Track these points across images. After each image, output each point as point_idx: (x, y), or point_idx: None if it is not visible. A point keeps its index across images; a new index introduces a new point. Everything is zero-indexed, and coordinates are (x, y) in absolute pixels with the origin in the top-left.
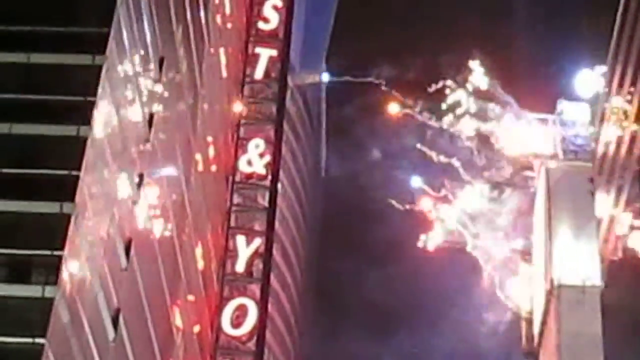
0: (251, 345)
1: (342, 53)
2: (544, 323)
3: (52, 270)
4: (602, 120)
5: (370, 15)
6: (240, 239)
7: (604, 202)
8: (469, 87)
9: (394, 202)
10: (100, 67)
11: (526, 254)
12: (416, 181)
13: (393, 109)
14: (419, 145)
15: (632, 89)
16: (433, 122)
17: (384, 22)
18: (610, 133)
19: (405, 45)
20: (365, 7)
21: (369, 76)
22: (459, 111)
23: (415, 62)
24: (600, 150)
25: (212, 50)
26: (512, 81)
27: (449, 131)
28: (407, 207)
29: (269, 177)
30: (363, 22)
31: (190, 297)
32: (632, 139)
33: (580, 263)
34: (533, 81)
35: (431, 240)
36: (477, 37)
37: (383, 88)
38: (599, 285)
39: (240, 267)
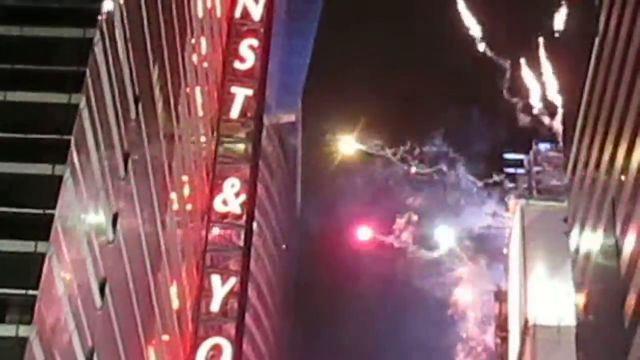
0: None
1: (318, 92)
2: None
3: (26, 310)
4: (575, 162)
5: (346, 55)
6: (216, 278)
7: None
8: None
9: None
10: (76, 106)
11: (501, 295)
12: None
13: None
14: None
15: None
16: (406, 167)
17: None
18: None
19: (381, 88)
20: (342, 46)
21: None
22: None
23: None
24: (574, 190)
25: (188, 89)
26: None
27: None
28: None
29: (245, 216)
30: (339, 62)
31: (165, 337)
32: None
33: (555, 303)
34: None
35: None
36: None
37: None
38: (573, 325)
39: (215, 306)
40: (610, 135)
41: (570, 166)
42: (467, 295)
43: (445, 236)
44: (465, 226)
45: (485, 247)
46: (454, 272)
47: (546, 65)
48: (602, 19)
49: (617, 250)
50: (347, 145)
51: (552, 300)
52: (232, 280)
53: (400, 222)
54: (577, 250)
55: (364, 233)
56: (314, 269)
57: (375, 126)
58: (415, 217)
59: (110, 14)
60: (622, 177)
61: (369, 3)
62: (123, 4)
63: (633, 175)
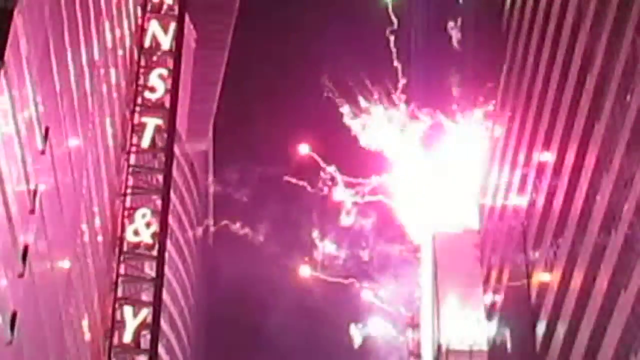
0: None
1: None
2: None
3: None
4: (486, 188)
5: (255, 83)
6: (128, 310)
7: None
8: None
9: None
10: None
11: (414, 321)
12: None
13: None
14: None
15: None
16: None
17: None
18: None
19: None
20: (249, 93)
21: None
22: None
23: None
24: (485, 216)
25: (97, 120)
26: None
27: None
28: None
29: (156, 246)
30: (249, 89)
31: None
32: (516, 207)
33: (467, 328)
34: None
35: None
36: None
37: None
38: (485, 350)
39: (127, 338)
40: (520, 159)
41: (481, 192)
42: (380, 322)
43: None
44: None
45: (397, 272)
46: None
47: None
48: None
49: (528, 275)
50: (259, 173)
51: (464, 325)
52: (144, 312)
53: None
54: (488, 276)
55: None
56: (227, 300)
57: (286, 153)
58: (330, 245)
59: (15, 41)
60: (532, 203)
61: (280, 31)
62: (30, 34)
63: (542, 201)
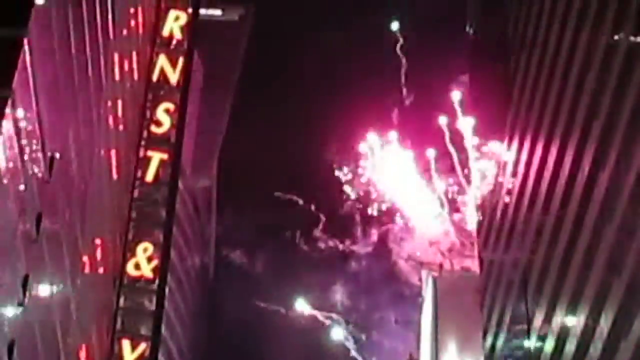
0: None
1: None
2: None
3: None
4: (487, 232)
5: (262, 119)
6: (126, 343)
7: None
8: None
9: (281, 310)
10: None
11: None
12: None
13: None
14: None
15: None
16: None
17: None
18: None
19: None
20: (256, 130)
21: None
22: None
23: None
24: (487, 262)
25: (102, 151)
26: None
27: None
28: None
29: (157, 281)
30: (256, 125)
31: None
32: (518, 250)
33: None
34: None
35: None
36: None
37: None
38: None
39: None
40: (520, 207)
41: (483, 236)
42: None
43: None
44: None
45: (397, 314)
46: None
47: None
48: None
49: (528, 320)
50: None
51: None
52: (142, 346)
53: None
54: (489, 321)
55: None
56: (227, 334)
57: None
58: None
59: (24, 70)
60: (533, 252)
61: (288, 67)
62: (38, 64)
63: (543, 251)
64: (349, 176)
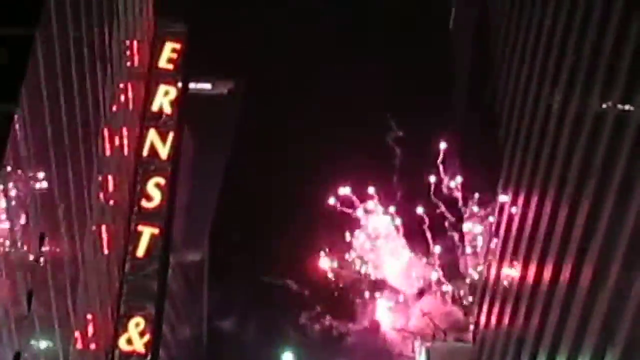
0: None
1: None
2: None
3: None
4: (481, 303)
5: (253, 193)
6: None
7: None
8: None
9: None
10: None
11: None
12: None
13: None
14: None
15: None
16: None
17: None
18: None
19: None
20: (248, 185)
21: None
22: None
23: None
24: (481, 330)
25: (94, 227)
26: None
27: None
28: None
29: (149, 356)
30: (247, 199)
31: None
32: (512, 319)
33: None
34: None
35: None
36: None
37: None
38: None
39: None
40: (514, 270)
41: (475, 308)
42: None
43: None
44: None
45: None
46: None
47: None
48: None
49: None
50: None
51: None
52: None
53: None
54: None
55: None
56: None
57: (284, 265)
58: None
59: (14, 144)
60: (526, 321)
61: (281, 141)
62: (30, 139)
63: (536, 319)
64: (335, 264)
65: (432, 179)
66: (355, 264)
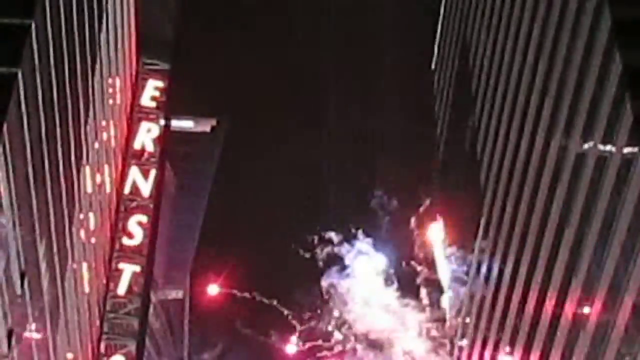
0: None
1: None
2: None
3: None
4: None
5: (234, 232)
6: None
7: None
8: None
9: None
10: None
11: None
12: None
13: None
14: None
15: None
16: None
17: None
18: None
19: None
20: (229, 224)
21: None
22: None
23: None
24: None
25: (75, 265)
26: None
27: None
28: None
29: None
30: (228, 238)
31: None
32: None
33: None
34: None
35: None
36: None
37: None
38: None
39: None
40: (493, 317)
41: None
42: None
43: None
44: None
45: None
46: None
47: None
48: None
49: None
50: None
51: None
52: None
53: None
54: None
55: None
56: None
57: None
58: None
59: None
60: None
61: (261, 178)
62: (11, 176)
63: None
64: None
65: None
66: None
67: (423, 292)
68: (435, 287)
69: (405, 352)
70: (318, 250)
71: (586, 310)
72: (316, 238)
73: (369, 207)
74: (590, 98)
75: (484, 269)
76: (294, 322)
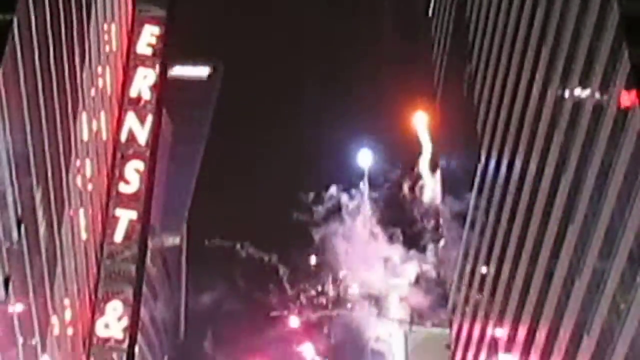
0: None
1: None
2: None
3: None
4: (458, 288)
5: (231, 179)
6: None
7: None
8: None
9: None
10: None
11: None
12: None
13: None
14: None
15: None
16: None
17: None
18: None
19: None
20: (224, 187)
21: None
22: None
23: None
24: (457, 317)
25: (71, 212)
26: None
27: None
28: None
29: (127, 340)
30: (224, 186)
31: None
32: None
33: None
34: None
35: None
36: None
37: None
38: None
39: None
40: (491, 264)
41: (452, 295)
42: None
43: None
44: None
45: None
46: None
47: None
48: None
49: None
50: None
51: None
52: None
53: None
54: None
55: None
56: None
57: (262, 245)
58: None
59: None
60: (502, 307)
61: (258, 122)
62: (7, 122)
63: (514, 305)
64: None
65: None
66: None
67: (421, 243)
68: (434, 236)
69: (402, 299)
70: (318, 200)
71: (582, 257)
72: (312, 194)
73: (371, 164)
74: (587, 46)
75: (479, 221)
76: (288, 272)
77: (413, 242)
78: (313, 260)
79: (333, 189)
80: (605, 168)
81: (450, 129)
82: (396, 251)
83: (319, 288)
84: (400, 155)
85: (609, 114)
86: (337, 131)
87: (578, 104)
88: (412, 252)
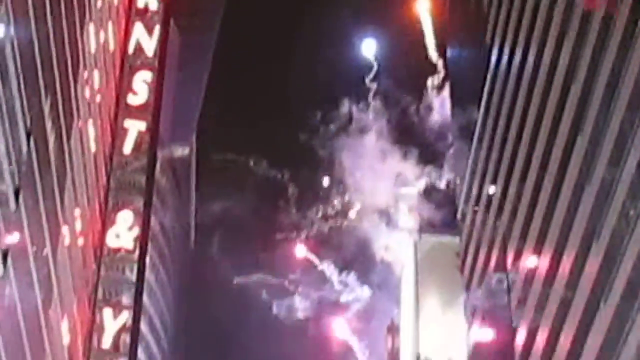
0: None
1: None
2: None
3: None
4: (467, 197)
5: (240, 89)
6: (107, 312)
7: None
8: None
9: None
10: None
11: (394, 328)
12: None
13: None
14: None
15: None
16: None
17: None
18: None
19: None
20: (234, 99)
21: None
22: None
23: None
24: (467, 225)
25: (80, 123)
26: None
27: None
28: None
29: (137, 251)
30: (233, 95)
31: None
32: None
33: (446, 339)
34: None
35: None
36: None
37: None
38: None
39: (107, 341)
40: (500, 175)
41: (462, 203)
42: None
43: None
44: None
45: (377, 280)
46: (348, 306)
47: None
48: None
49: (508, 286)
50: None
51: (444, 335)
52: (125, 315)
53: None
54: (469, 286)
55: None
56: (207, 304)
57: (271, 158)
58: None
59: (0, 45)
60: (512, 215)
61: (266, 33)
62: (14, 35)
63: (523, 213)
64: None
65: None
66: None
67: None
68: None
69: (411, 209)
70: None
71: (592, 164)
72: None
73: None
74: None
75: (487, 137)
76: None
77: (424, 157)
78: (326, 181)
79: (344, 104)
80: (615, 75)
81: (459, 20)
82: (408, 165)
83: (330, 203)
84: (404, 45)
85: (619, 22)
86: (340, 20)
87: (587, 14)
88: (424, 167)
